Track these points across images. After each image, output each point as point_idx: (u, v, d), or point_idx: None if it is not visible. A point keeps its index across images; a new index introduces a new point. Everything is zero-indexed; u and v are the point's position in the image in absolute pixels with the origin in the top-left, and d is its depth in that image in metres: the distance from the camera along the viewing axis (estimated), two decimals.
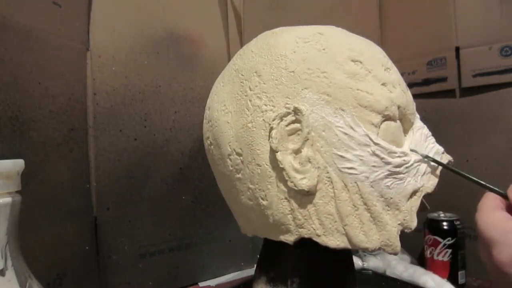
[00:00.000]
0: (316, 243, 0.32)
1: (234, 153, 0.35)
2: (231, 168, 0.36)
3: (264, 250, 0.41)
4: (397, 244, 0.32)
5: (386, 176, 0.31)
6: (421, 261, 0.61)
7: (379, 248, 0.32)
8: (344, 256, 0.38)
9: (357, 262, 0.60)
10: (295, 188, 0.31)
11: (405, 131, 0.36)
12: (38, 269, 0.31)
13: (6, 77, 0.38)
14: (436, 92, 0.64)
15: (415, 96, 0.39)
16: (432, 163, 0.35)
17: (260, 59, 0.35)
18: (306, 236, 0.32)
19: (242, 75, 0.36)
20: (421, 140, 0.36)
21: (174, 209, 0.56)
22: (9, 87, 0.39)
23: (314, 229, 0.32)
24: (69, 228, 0.45)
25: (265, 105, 0.33)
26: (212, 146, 0.39)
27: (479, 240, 0.26)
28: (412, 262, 0.61)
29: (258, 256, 0.42)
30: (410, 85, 0.43)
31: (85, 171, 0.48)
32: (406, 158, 0.32)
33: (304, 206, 0.32)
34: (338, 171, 0.31)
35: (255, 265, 0.42)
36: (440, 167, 0.36)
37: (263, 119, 0.33)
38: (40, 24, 0.42)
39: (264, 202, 0.33)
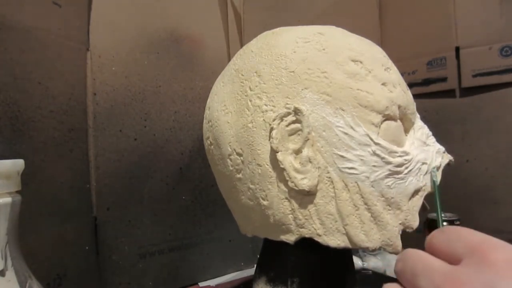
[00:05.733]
0: (317, 243, 0.32)
1: (235, 153, 0.35)
2: (231, 168, 0.36)
3: (264, 250, 0.41)
4: (398, 243, 0.32)
5: (387, 176, 0.31)
6: None
7: (380, 248, 0.32)
8: (344, 256, 0.38)
9: (357, 262, 0.60)
10: (296, 188, 0.31)
11: (406, 131, 0.36)
12: (38, 269, 0.31)
13: (6, 77, 0.38)
14: (436, 92, 0.64)
15: (415, 96, 0.39)
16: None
17: (260, 59, 0.35)
18: (307, 235, 0.32)
19: (242, 75, 0.36)
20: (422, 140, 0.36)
21: (174, 209, 0.56)
22: (9, 87, 0.38)
23: (315, 229, 0.32)
24: (69, 228, 0.45)
25: (266, 105, 0.33)
26: (212, 146, 0.39)
27: None
28: None
29: (258, 256, 0.42)
30: (410, 85, 0.43)
31: (85, 171, 0.48)
32: (407, 158, 0.32)
33: (304, 206, 0.32)
34: (338, 171, 0.31)
35: (255, 265, 0.42)
36: (441, 167, 0.36)
37: (264, 119, 0.33)
38: (40, 24, 0.42)
39: (265, 202, 0.33)
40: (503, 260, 0.18)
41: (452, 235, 0.21)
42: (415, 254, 0.22)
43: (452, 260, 0.20)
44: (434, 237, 0.22)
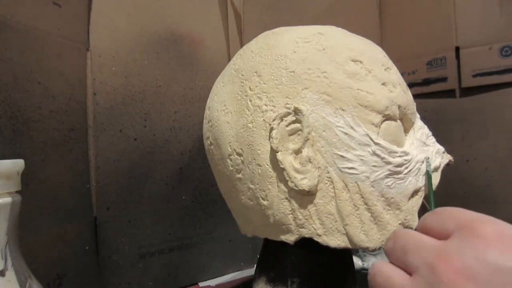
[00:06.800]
0: (317, 243, 0.32)
1: (235, 153, 0.35)
2: (231, 168, 0.36)
3: (264, 250, 0.41)
4: None
5: (387, 176, 0.31)
6: None
7: (380, 248, 0.32)
8: (344, 256, 0.38)
9: (357, 262, 0.60)
10: (296, 188, 0.31)
11: (406, 131, 0.36)
12: (38, 269, 0.31)
13: (6, 77, 0.38)
14: (436, 92, 0.64)
15: (415, 96, 0.39)
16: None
17: (260, 59, 0.35)
18: (307, 236, 0.32)
19: (242, 75, 0.36)
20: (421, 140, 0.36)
21: (174, 209, 0.56)
22: (9, 87, 0.38)
23: (315, 229, 0.32)
24: (69, 228, 0.45)
25: (266, 105, 0.33)
26: (212, 146, 0.39)
27: None
28: None
29: (258, 256, 0.42)
30: (410, 85, 0.43)
31: (85, 171, 0.48)
32: (407, 158, 0.32)
33: (304, 206, 0.32)
34: (338, 171, 0.31)
35: (255, 265, 0.42)
36: (441, 167, 0.36)
37: (264, 119, 0.33)
38: (40, 24, 0.42)
39: (265, 202, 0.33)
40: (492, 232, 0.18)
41: (444, 215, 0.21)
42: (405, 232, 0.22)
43: (443, 237, 0.20)
44: (426, 218, 0.22)
